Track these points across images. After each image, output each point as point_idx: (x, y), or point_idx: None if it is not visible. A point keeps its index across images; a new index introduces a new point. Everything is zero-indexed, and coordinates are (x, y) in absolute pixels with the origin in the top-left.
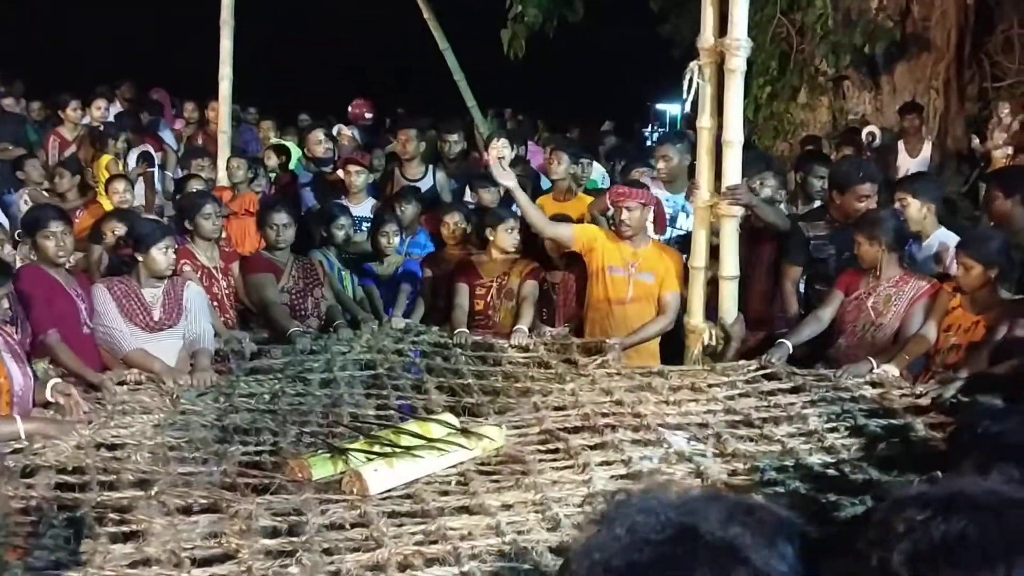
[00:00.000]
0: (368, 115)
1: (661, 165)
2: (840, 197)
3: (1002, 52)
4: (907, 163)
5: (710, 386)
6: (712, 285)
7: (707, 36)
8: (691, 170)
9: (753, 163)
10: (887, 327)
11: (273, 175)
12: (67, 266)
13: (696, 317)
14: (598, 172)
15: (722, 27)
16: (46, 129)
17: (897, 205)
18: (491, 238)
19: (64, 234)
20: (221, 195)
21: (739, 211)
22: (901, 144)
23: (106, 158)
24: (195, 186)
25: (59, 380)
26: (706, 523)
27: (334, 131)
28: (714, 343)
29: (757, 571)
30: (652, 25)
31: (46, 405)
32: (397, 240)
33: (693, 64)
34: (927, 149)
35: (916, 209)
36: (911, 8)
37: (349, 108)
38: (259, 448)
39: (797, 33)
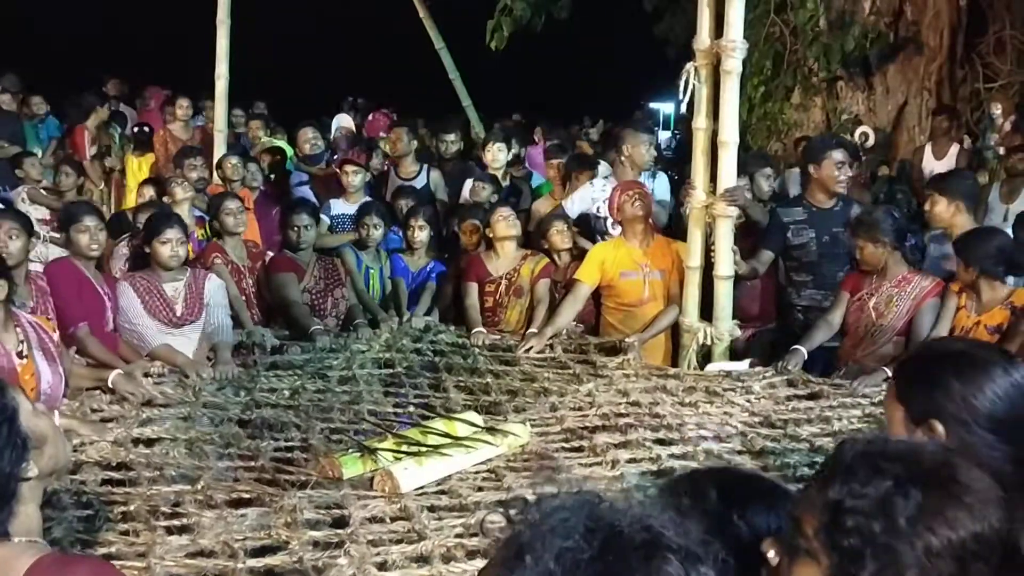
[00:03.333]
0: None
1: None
2: (817, 170)
3: (994, 53)
4: (932, 164)
5: (725, 390)
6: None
7: (703, 38)
8: None
9: (752, 160)
10: (888, 328)
11: (272, 175)
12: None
13: (691, 316)
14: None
15: (718, 28)
16: (42, 124)
17: (927, 205)
18: (490, 234)
19: (98, 229)
20: (212, 192)
21: (734, 211)
22: (928, 146)
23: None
24: (181, 193)
25: (121, 372)
26: (623, 521)
27: (333, 125)
28: (709, 342)
29: (686, 552)
30: (646, 24)
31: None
32: (426, 234)
33: (689, 65)
34: (954, 152)
35: (944, 207)
36: (904, 9)
37: (372, 123)
38: (289, 444)
39: (791, 33)
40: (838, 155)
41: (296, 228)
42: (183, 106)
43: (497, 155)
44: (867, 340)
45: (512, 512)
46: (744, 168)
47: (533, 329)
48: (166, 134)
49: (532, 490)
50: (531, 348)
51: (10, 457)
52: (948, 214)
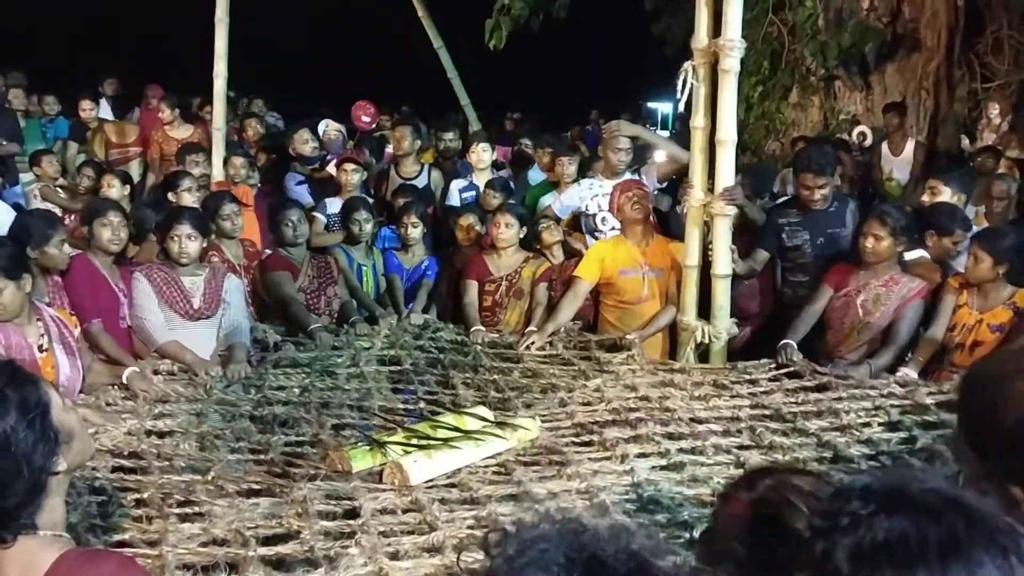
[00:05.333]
0: (366, 119)
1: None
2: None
3: (992, 53)
4: (891, 161)
5: (733, 383)
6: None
7: (701, 37)
8: None
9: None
10: (875, 326)
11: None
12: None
13: (689, 315)
14: None
15: (716, 27)
16: (51, 123)
17: (926, 196)
18: (494, 233)
19: (120, 225)
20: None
21: (732, 210)
22: (885, 143)
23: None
24: (187, 183)
25: (135, 369)
26: (607, 550)
27: (321, 127)
28: (707, 341)
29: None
30: (645, 23)
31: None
32: (419, 231)
33: (687, 65)
34: (910, 147)
35: (947, 198)
36: (902, 9)
37: (354, 111)
38: (300, 439)
39: (788, 32)
40: (807, 179)
41: (290, 223)
42: (164, 110)
43: (482, 155)
44: (852, 337)
45: (490, 543)
46: (751, 178)
47: (532, 327)
48: (161, 133)
49: (540, 485)
50: (532, 344)
51: (43, 451)
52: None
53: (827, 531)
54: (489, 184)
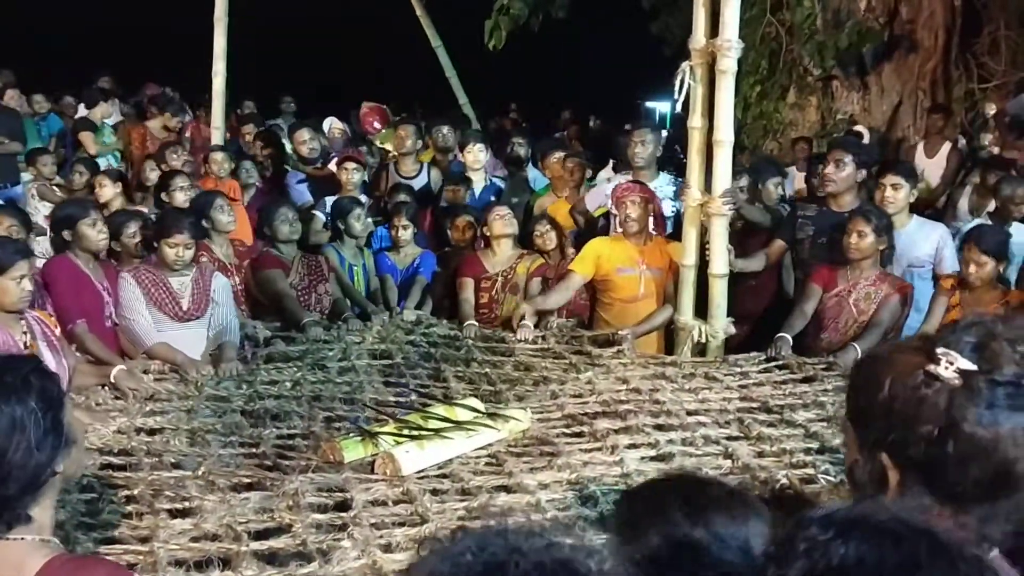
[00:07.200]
0: (376, 125)
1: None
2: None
3: (989, 53)
4: (923, 162)
5: (724, 375)
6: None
7: (699, 37)
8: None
9: (763, 166)
10: (867, 323)
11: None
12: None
13: (686, 314)
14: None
15: (713, 28)
16: (43, 121)
17: (889, 191)
18: (487, 232)
19: (103, 222)
20: (204, 185)
21: (729, 210)
22: (921, 144)
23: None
24: (179, 183)
25: (123, 368)
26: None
27: (325, 126)
28: (704, 340)
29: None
30: (643, 23)
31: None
32: (410, 233)
33: (685, 65)
34: (945, 151)
35: (905, 194)
36: (899, 9)
37: (362, 113)
38: (291, 432)
39: (786, 33)
40: (834, 153)
41: (287, 218)
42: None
43: (478, 155)
44: (848, 336)
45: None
46: (755, 173)
47: (526, 322)
48: (145, 131)
49: (531, 476)
50: (522, 320)
51: (51, 443)
52: (906, 202)
53: (781, 558)
54: (450, 179)
